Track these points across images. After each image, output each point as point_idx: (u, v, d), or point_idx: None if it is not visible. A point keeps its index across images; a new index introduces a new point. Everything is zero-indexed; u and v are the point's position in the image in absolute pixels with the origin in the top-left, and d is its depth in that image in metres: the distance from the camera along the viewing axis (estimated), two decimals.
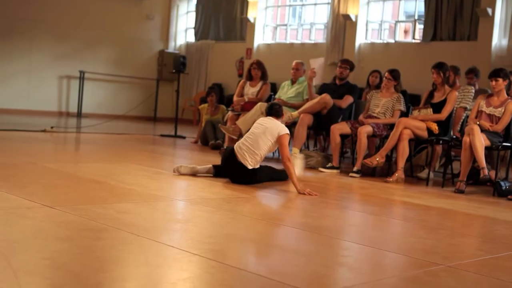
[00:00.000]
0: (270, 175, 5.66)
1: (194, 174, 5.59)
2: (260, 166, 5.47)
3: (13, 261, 2.48)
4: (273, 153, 7.37)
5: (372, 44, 13.19)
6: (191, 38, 17.06)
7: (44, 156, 6.61)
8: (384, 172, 6.98)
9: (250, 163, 5.31)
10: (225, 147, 7.97)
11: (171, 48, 16.79)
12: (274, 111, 5.67)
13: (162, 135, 10.60)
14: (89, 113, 14.74)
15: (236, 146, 5.47)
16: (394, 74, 7.31)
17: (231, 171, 5.46)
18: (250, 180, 5.38)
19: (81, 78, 14.89)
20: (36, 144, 7.74)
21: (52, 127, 9.61)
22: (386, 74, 7.38)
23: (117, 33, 15.66)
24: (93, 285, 2.31)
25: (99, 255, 2.77)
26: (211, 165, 5.68)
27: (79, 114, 14.78)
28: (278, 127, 5.44)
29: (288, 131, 5.51)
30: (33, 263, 2.52)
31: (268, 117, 5.61)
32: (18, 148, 7.15)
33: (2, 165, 5.48)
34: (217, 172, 5.63)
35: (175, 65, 11.28)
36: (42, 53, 14.47)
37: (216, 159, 6.60)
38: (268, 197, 5.01)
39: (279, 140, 5.38)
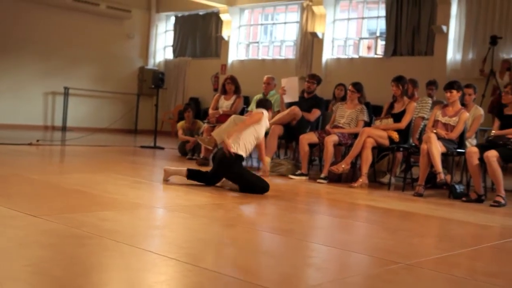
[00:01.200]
0: (249, 177, 5.56)
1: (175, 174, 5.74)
2: (243, 165, 5.63)
3: None
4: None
5: (338, 59, 13.28)
6: (169, 55, 17.02)
7: (30, 168, 6.52)
8: (349, 178, 7.02)
9: (233, 147, 5.40)
10: (201, 157, 7.96)
11: (150, 65, 16.74)
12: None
13: (142, 147, 10.54)
14: (73, 126, 14.59)
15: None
16: (357, 86, 7.37)
17: (218, 164, 5.56)
18: (229, 164, 5.43)
19: (66, 93, 14.76)
20: (22, 156, 7.64)
21: (38, 140, 9.50)
22: (350, 87, 7.44)
23: (99, 51, 15.56)
24: None
25: (81, 261, 2.74)
26: (185, 169, 5.73)
27: (63, 128, 14.64)
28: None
29: (265, 112, 5.69)
30: (17, 269, 2.48)
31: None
32: (5, 160, 7.04)
33: None
34: (191, 175, 5.67)
35: (154, 81, 11.25)
36: (28, 70, 14.31)
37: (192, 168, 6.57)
38: (240, 204, 5.01)
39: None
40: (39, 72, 14.50)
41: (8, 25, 13.90)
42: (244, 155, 5.55)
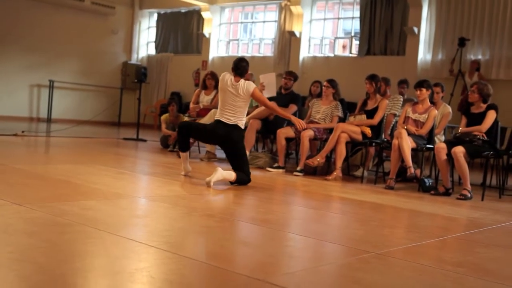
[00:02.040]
0: (242, 152, 5.56)
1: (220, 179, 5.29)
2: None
3: None
4: None
5: (314, 57, 13.31)
6: (152, 51, 16.90)
7: (15, 158, 6.43)
8: (324, 171, 7.05)
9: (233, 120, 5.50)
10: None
11: (133, 60, 16.61)
12: (240, 70, 5.64)
13: (125, 139, 10.46)
14: (58, 118, 14.43)
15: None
16: (332, 83, 7.40)
17: (222, 134, 5.49)
18: (234, 131, 5.46)
19: (51, 86, 14.58)
20: (8, 147, 7.53)
21: (23, 131, 9.38)
22: (325, 82, 7.47)
23: (84, 46, 15.39)
24: (58, 276, 2.26)
25: (63, 248, 2.71)
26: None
27: (48, 120, 14.48)
28: (248, 86, 5.54)
29: (254, 85, 5.62)
30: (1, 256, 2.45)
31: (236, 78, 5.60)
32: None
33: None
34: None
35: (137, 75, 11.21)
36: (14, 63, 14.12)
37: (176, 160, 6.54)
38: (220, 195, 4.99)
39: (253, 96, 5.57)
40: (25, 65, 14.32)
41: None
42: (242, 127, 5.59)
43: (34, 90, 14.66)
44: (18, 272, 2.25)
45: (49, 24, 14.63)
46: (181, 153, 5.70)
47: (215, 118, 5.62)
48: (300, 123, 5.85)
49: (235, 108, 5.50)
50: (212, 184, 5.07)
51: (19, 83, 14.30)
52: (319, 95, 8.30)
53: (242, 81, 5.56)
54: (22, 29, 14.18)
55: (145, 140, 10.28)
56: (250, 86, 5.55)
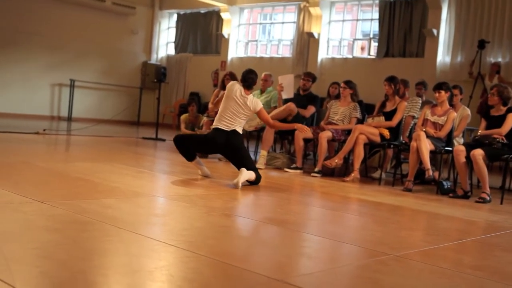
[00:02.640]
0: (245, 153, 5.59)
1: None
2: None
3: (6, 251, 2.43)
4: None
5: (333, 59, 13.28)
6: (171, 51, 16.98)
7: (37, 156, 6.50)
8: (342, 172, 7.02)
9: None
10: None
11: (153, 60, 16.70)
12: (248, 82, 5.67)
13: (144, 138, 10.52)
14: (79, 117, 14.56)
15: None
16: (349, 84, 7.37)
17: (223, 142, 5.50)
18: (233, 137, 5.49)
19: (72, 85, 14.72)
20: (30, 145, 7.62)
21: (44, 130, 9.48)
22: (342, 84, 7.45)
23: (105, 45, 15.52)
24: (78, 273, 2.28)
25: (84, 245, 2.74)
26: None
27: (69, 118, 14.62)
28: (256, 103, 5.58)
29: (261, 104, 5.66)
30: (24, 252, 2.48)
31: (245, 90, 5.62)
32: (13, 148, 7.03)
33: None
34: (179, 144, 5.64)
35: (156, 75, 11.25)
36: (36, 63, 14.28)
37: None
38: (238, 195, 5.00)
39: (259, 114, 5.65)
40: (47, 64, 14.47)
41: (18, 19, 13.86)
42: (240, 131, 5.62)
43: (55, 89, 14.81)
44: (41, 268, 2.28)
45: (71, 24, 14.77)
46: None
47: (213, 126, 5.63)
48: (304, 129, 5.93)
49: (235, 116, 5.55)
50: (240, 185, 5.10)
51: (41, 82, 14.46)
52: (337, 97, 8.27)
53: (251, 96, 5.63)
54: (44, 29, 14.34)
55: (164, 140, 10.32)
56: (258, 104, 5.62)
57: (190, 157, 5.64)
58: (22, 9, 13.92)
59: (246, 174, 5.22)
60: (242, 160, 5.43)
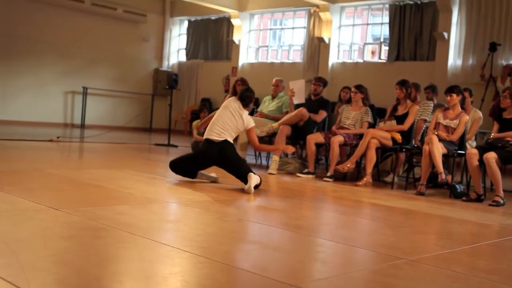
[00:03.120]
0: (239, 161, 5.62)
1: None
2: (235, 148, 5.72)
3: (22, 258, 2.45)
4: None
5: (343, 63, 13.26)
6: (182, 57, 17.05)
7: (50, 163, 6.55)
8: (354, 176, 7.01)
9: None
10: None
11: (164, 67, 16.77)
12: (245, 101, 5.74)
13: (156, 144, 10.56)
14: (91, 124, 14.65)
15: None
16: (359, 88, 7.37)
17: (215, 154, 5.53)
18: (225, 147, 5.51)
19: (84, 93, 14.82)
20: (43, 152, 7.67)
21: (58, 137, 9.54)
22: (353, 88, 7.45)
23: (116, 53, 15.62)
24: (93, 279, 2.29)
25: (98, 252, 2.75)
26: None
27: (82, 126, 14.71)
28: (249, 121, 5.68)
29: (254, 124, 5.76)
30: (40, 259, 2.49)
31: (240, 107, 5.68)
32: (27, 156, 7.09)
33: (12, 171, 5.43)
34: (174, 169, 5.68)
35: (168, 82, 11.28)
36: (49, 71, 14.40)
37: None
38: (250, 200, 5.00)
39: (248, 133, 5.74)
40: (60, 72, 14.59)
41: (31, 28, 14.00)
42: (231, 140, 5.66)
43: (68, 96, 14.91)
44: (57, 275, 2.29)
45: (83, 32, 14.88)
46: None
47: (204, 137, 5.66)
48: (289, 149, 6.27)
49: (226, 125, 5.58)
50: (253, 190, 5.13)
51: (54, 90, 14.58)
52: (348, 101, 8.26)
53: (247, 113, 5.72)
54: (57, 37, 14.46)
55: (176, 146, 10.36)
56: (251, 123, 5.73)
57: (191, 175, 5.70)
58: (35, 18, 14.06)
59: (255, 179, 5.24)
60: (238, 169, 5.47)
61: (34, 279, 2.20)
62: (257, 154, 8.69)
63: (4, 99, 13.73)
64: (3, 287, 2.08)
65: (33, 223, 3.22)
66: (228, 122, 5.60)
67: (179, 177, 5.68)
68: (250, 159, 8.21)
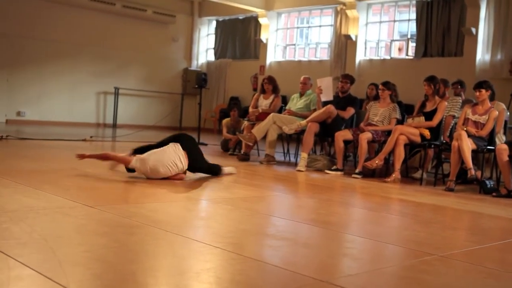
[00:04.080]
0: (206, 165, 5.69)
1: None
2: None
3: (59, 254, 2.49)
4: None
5: (371, 60, 13.16)
6: (211, 57, 17.12)
7: (85, 163, 6.62)
8: (382, 173, 6.94)
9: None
10: (242, 153, 7.97)
11: (193, 66, 16.86)
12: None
13: None
14: (123, 124, 14.81)
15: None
16: (386, 85, 7.29)
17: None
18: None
19: (116, 93, 14.98)
20: (77, 152, 7.75)
21: (91, 137, 9.66)
22: (380, 86, 7.37)
23: (146, 53, 15.75)
24: (128, 274, 2.32)
25: (133, 248, 2.78)
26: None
27: (114, 125, 14.88)
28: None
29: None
30: (76, 255, 2.53)
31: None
32: (62, 155, 7.19)
33: (48, 170, 5.52)
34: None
35: (197, 81, 11.33)
36: (82, 72, 14.60)
37: (236, 163, 6.60)
38: (280, 197, 5.00)
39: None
40: (92, 73, 14.78)
41: (65, 31, 14.25)
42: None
43: (100, 97, 15.10)
44: (93, 270, 2.32)
45: (114, 34, 15.05)
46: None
47: None
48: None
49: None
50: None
51: (87, 91, 14.78)
52: (375, 98, 8.19)
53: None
54: (89, 39, 14.65)
55: (206, 144, 10.39)
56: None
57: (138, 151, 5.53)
58: (70, 22, 14.28)
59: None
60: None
61: (72, 275, 2.23)
62: (286, 151, 8.67)
63: (40, 100, 13.96)
64: (42, 282, 2.11)
65: (69, 220, 3.27)
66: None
67: (209, 175, 5.70)
68: (278, 157, 8.19)
